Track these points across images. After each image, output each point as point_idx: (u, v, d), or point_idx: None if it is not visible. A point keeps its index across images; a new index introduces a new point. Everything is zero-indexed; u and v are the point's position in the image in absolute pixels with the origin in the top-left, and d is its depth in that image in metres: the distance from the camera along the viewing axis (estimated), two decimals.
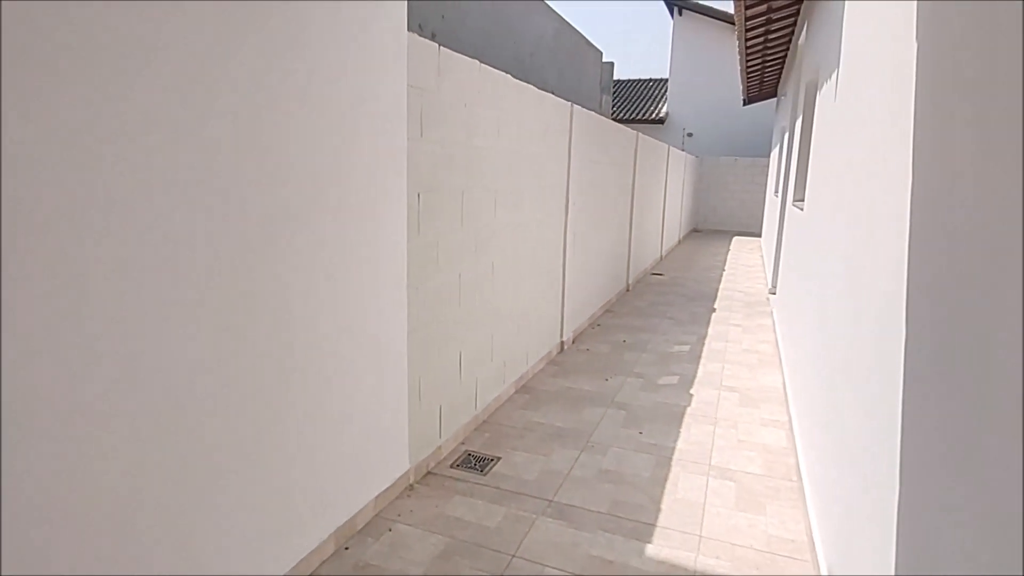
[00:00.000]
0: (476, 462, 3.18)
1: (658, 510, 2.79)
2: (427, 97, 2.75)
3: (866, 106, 2.27)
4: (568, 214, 5.00)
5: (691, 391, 4.33)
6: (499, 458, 3.23)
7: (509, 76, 3.60)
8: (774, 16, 7.27)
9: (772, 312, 6.65)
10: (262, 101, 1.83)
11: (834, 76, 3.44)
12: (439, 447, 3.16)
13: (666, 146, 10.45)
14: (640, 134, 7.80)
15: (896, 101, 1.78)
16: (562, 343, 5.17)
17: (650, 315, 6.66)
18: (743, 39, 8.20)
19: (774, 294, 7.59)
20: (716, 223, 17.30)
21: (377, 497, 2.64)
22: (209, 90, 1.66)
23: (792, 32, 8.22)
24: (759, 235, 16.19)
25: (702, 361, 5.03)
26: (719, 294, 7.97)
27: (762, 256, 11.56)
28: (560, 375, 4.59)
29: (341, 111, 2.18)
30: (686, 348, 5.40)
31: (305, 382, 2.14)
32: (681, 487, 3.00)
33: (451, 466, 3.13)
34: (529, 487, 2.95)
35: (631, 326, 6.13)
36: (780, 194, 7.86)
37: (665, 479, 3.07)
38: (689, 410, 3.97)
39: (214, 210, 1.71)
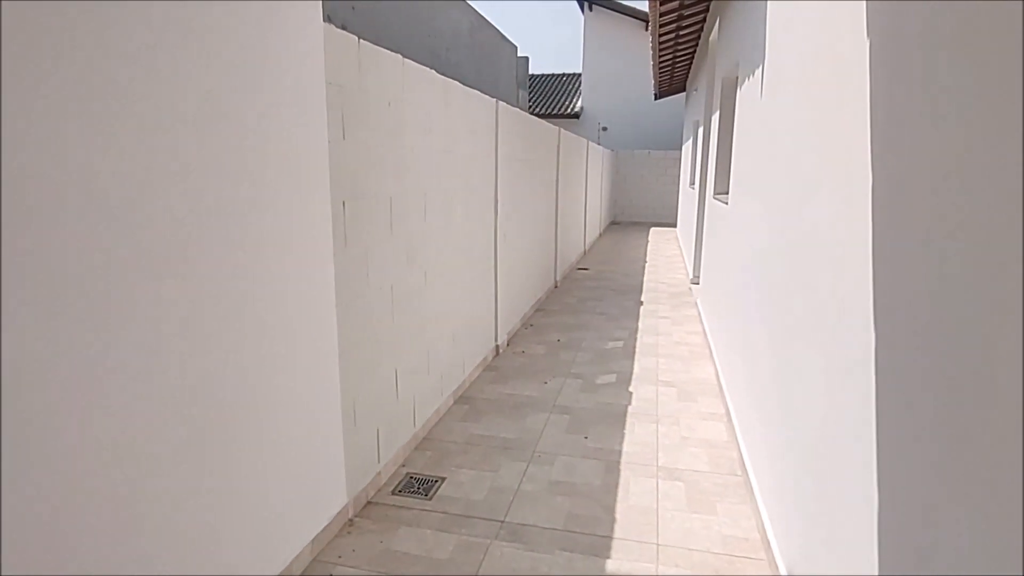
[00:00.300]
0: (420, 485, 2.98)
1: (613, 520, 2.71)
2: (348, 95, 2.50)
3: (805, 106, 2.27)
4: (498, 214, 4.86)
5: (630, 389, 4.32)
6: (444, 479, 3.04)
7: (434, 72, 3.39)
8: (685, 12, 7.45)
9: (697, 302, 6.84)
10: (137, 96, 1.55)
11: (757, 73, 3.49)
12: (378, 473, 2.93)
13: (585, 140, 10.54)
14: (562, 130, 7.78)
15: (843, 100, 1.76)
16: (497, 347, 5.03)
17: (581, 311, 6.65)
18: (656, 34, 8.37)
19: (697, 284, 7.82)
20: (633, 215, 17.77)
21: (314, 539, 2.39)
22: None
23: (702, 28, 8.49)
24: (674, 225, 16.79)
25: (637, 356, 5.05)
26: (644, 286, 8.12)
27: (680, 246, 11.96)
28: (498, 381, 4.44)
29: (248, 109, 1.91)
30: (620, 344, 5.42)
31: (229, 423, 1.86)
32: (633, 492, 2.94)
33: (393, 492, 2.91)
34: (478, 508, 2.79)
35: (564, 324, 6.09)
36: (698, 187, 8.11)
37: (616, 486, 3.00)
38: (631, 409, 3.94)
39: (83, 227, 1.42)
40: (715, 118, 6.17)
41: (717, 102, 5.91)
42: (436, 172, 3.49)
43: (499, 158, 4.79)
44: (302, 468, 2.28)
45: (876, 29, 1.54)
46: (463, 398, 4.09)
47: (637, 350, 5.23)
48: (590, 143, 11.06)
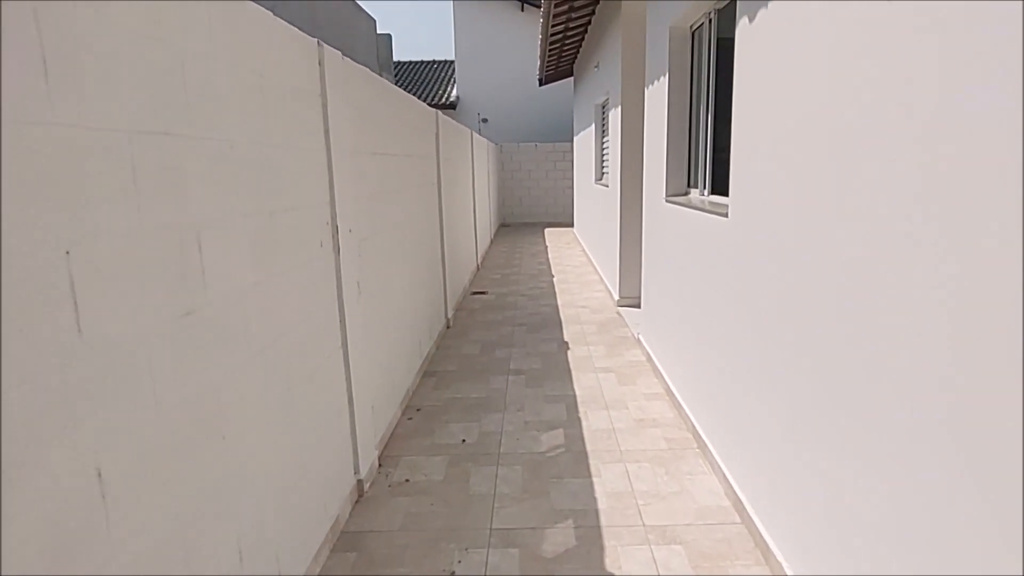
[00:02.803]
0: None
1: None
2: None
3: None
4: (342, 250, 2.70)
5: (605, 557, 2.38)
6: None
7: None
8: None
9: (640, 339, 5.09)
10: None
11: None
12: None
13: (468, 130, 8.55)
14: (440, 113, 5.71)
15: None
16: (360, 484, 2.88)
17: (488, 370, 4.64)
18: (550, 2, 6.57)
19: (631, 307, 6.10)
20: (524, 215, 16.09)
21: None
22: None
23: None
24: (571, 225, 15.33)
25: (592, 465, 3.14)
26: (562, 315, 6.28)
27: (586, 251, 10.35)
28: None
29: None
30: (559, 437, 3.48)
31: None
32: None
33: None
34: None
35: (466, 402, 4.04)
36: (616, 185, 6.40)
37: None
38: None
39: None
40: (654, 92, 4.42)
41: (662, 65, 4.15)
42: (123, 191, 1.30)
43: (333, 152, 2.62)
44: None
45: None
46: None
47: (589, 449, 3.32)
48: (474, 134, 9.07)
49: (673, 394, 3.90)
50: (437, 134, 5.55)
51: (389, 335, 3.62)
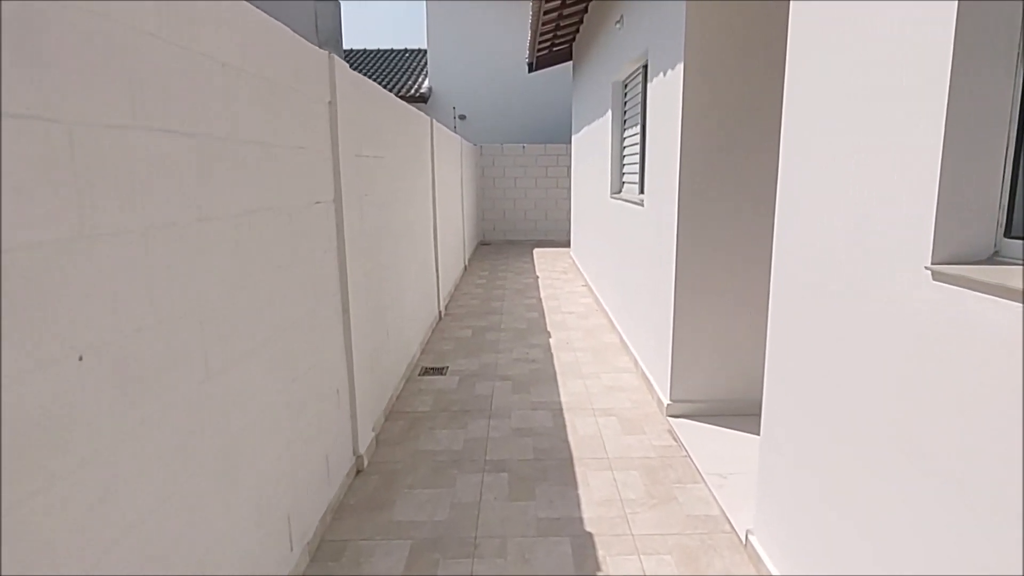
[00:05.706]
0: None
1: None
2: None
3: None
4: None
5: None
6: None
7: None
8: None
9: (756, 547, 2.36)
10: None
11: None
12: None
13: (427, 119, 5.81)
14: (341, 61, 2.94)
15: None
16: None
17: None
18: None
19: (710, 424, 3.34)
20: (508, 231, 13.34)
21: None
22: None
23: None
24: (566, 244, 12.62)
25: None
26: (571, 434, 3.52)
27: (589, 285, 7.61)
28: None
29: None
30: None
31: None
32: None
33: None
34: None
35: None
36: (668, 204, 3.69)
37: None
38: None
39: None
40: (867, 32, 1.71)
41: None
42: None
43: None
44: None
45: None
46: None
47: None
48: (436, 124, 6.32)
49: None
50: (334, 104, 2.79)
51: None
